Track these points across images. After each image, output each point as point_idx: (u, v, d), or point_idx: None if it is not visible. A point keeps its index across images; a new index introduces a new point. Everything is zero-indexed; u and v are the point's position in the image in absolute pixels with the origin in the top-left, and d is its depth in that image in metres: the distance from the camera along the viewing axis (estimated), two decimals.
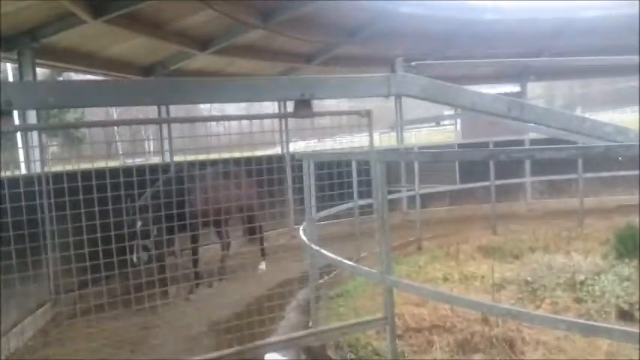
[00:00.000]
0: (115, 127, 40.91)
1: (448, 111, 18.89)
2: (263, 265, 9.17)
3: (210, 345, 5.99)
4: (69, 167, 5.47)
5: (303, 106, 2.73)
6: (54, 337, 6.16)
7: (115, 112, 42.95)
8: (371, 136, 4.70)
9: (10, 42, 7.27)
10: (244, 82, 2.93)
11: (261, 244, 9.35)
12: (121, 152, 41.21)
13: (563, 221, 10.09)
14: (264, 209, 9.25)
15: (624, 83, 22.71)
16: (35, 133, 7.36)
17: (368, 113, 4.56)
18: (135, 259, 6.72)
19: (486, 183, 10.22)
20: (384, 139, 29.12)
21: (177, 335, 6.29)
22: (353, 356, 5.02)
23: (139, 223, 6.88)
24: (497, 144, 10.44)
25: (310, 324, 5.85)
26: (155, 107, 11.19)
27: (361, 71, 13.79)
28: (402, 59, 3.64)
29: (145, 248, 6.98)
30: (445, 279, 7.04)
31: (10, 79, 16.49)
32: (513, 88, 16.10)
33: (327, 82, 3.17)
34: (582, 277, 6.32)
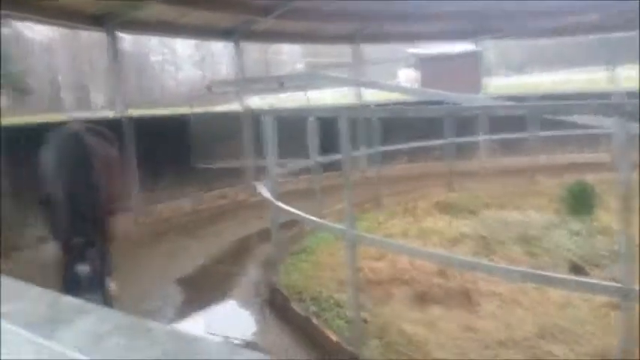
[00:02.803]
0: (60, 78, 39.41)
1: None
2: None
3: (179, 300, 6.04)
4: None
5: None
6: None
7: (62, 65, 41.32)
8: None
9: None
10: None
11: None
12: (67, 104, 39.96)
13: (516, 179, 10.39)
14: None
15: (574, 42, 23.23)
16: None
17: None
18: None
19: (443, 141, 10.39)
20: (337, 97, 29.08)
21: (145, 290, 6.29)
22: (315, 309, 5.12)
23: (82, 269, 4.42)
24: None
25: (273, 279, 5.93)
26: (102, 58, 10.81)
27: (321, 25, 13.64)
28: None
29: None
30: (403, 234, 7.20)
31: None
32: (468, 46, 16.22)
33: None
34: (535, 232, 6.57)
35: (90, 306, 0.62)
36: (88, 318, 0.60)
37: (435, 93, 8.73)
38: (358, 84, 13.12)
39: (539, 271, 4.26)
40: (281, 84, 10.21)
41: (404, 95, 12.40)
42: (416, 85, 18.34)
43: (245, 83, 11.98)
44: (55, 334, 0.56)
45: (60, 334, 0.56)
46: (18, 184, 6.79)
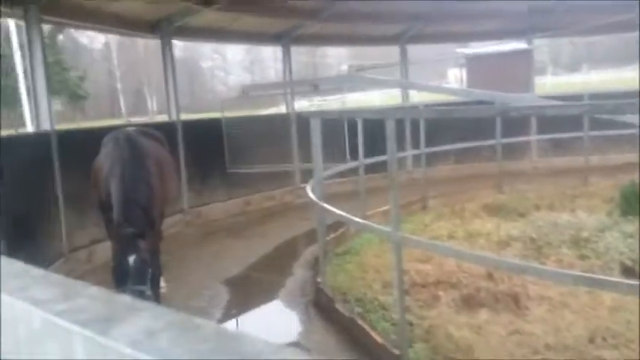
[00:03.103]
0: (118, 85, 40.68)
1: None
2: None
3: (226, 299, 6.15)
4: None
5: None
6: None
7: (117, 71, 42.68)
8: None
9: None
10: None
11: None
12: (123, 110, 41.16)
13: (568, 179, 10.13)
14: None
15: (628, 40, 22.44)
16: (44, 90, 7.33)
17: None
18: None
19: (492, 141, 10.20)
20: (385, 98, 29.03)
21: (194, 290, 6.44)
22: (360, 310, 5.14)
23: (131, 259, 4.37)
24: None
25: (319, 280, 5.98)
26: (158, 63, 11.12)
27: (367, 27, 13.63)
28: None
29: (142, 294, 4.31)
30: (450, 237, 7.12)
31: (14, 35, 16.29)
32: (519, 44, 15.88)
33: None
34: (586, 235, 6.40)
35: (143, 304, 0.66)
36: (141, 315, 0.63)
37: (479, 93, 8.60)
38: (396, 85, 12.97)
39: (590, 274, 4.17)
40: (316, 87, 10.07)
41: (447, 95, 12.23)
42: (464, 85, 18.08)
43: (279, 86, 11.97)
44: (110, 331, 0.60)
45: (114, 331, 0.60)
46: (74, 187, 7.03)
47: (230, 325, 5.57)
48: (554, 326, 4.36)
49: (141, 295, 4.27)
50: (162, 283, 5.83)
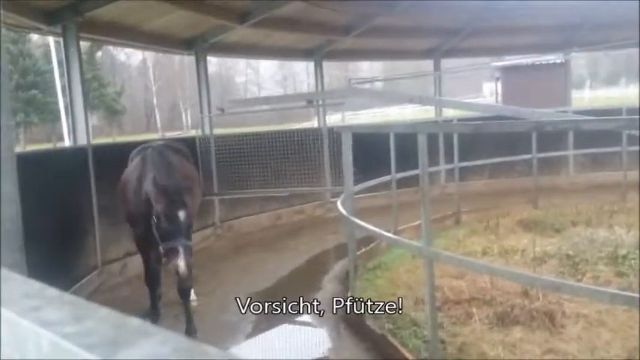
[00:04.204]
0: (154, 100, 41.49)
1: None
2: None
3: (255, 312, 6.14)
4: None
5: None
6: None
7: (153, 87, 43.56)
8: None
9: (55, 16, 7.42)
10: None
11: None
12: (159, 124, 41.90)
13: (606, 195, 9.87)
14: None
15: None
16: (81, 105, 7.51)
17: None
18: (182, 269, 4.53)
19: (528, 156, 10.02)
20: (417, 112, 28.88)
21: (224, 303, 6.46)
22: (391, 326, 5.07)
23: (182, 213, 4.62)
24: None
25: (348, 294, 5.93)
26: (193, 78, 11.28)
27: (400, 42, 13.62)
28: None
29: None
30: (484, 253, 7.00)
31: (53, 52, 16.79)
32: (556, 58, 15.64)
33: None
34: (625, 251, 6.23)
35: (153, 329, 0.66)
36: (150, 340, 0.62)
37: (499, 107, 8.45)
38: (402, 99, 12.76)
39: (628, 292, 4.04)
40: (310, 102, 9.55)
41: (466, 111, 12.04)
42: (499, 99, 17.85)
43: (260, 102, 11.58)
44: (115, 355, 0.59)
45: (119, 356, 0.59)
46: (108, 201, 7.13)
47: (260, 339, 5.55)
48: (591, 345, 4.24)
49: (188, 249, 4.55)
50: (194, 297, 5.87)
